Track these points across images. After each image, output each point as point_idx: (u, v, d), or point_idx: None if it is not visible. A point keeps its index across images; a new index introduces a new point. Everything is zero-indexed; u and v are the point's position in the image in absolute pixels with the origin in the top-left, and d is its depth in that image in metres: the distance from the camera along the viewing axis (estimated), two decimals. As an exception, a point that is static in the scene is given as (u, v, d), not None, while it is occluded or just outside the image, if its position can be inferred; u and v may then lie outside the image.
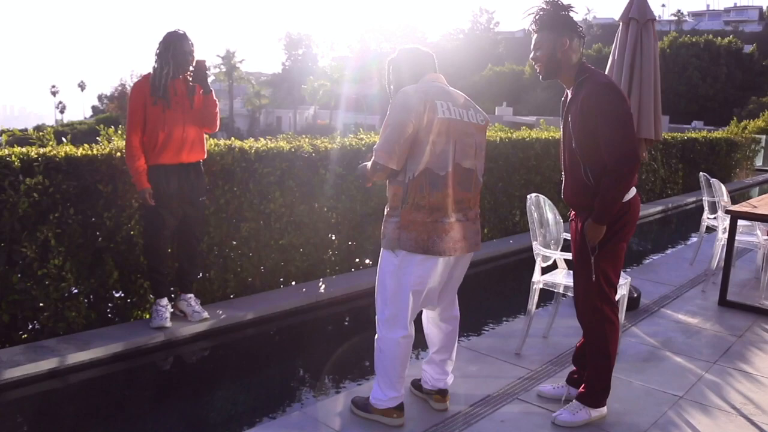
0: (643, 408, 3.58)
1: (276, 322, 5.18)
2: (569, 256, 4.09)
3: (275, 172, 5.53)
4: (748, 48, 61.91)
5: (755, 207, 5.75)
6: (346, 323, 5.72)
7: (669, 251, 8.35)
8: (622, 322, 4.46)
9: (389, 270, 3.10)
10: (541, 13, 3.12)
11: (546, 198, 4.37)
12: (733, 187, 15.78)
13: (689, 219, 11.12)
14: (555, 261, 4.29)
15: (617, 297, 3.45)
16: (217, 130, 4.76)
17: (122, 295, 4.90)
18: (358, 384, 4.00)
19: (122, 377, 4.30)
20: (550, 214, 4.35)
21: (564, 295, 4.37)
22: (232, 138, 5.68)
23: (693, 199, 12.74)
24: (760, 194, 12.82)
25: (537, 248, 4.10)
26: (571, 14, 3.16)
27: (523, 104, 53.20)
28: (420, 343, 3.48)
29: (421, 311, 3.38)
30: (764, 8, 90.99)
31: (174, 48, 4.48)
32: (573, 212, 3.39)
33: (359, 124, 35.83)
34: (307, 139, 6.08)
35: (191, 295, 4.85)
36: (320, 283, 5.79)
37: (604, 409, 3.42)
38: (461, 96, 3.13)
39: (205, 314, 4.78)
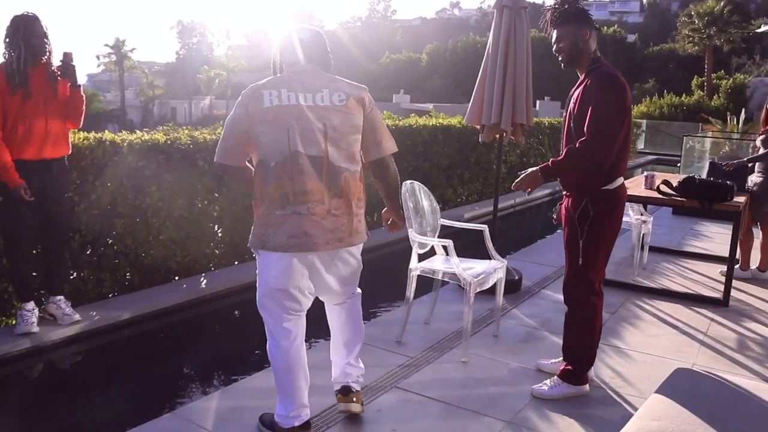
0: (519, 388, 3.66)
1: (155, 320, 4.99)
2: (447, 242, 4.13)
3: (150, 166, 5.32)
4: (632, 37, 65.12)
5: (626, 188, 5.98)
6: (228, 319, 5.58)
7: (557, 233, 8.58)
8: (502, 305, 4.57)
9: (257, 273, 2.95)
10: (561, 9, 3.40)
11: (422, 185, 4.38)
12: (616, 169, 16.50)
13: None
14: (434, 248, 4.31)
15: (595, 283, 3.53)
16: (80, 126, 4.54)
17: (-17, 301, 4.57)
18: (239, 380, 3.88)
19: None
20: (426, 201, 4.36)
21: (444, 282, 4.38)
22: (105, 131, 5.40)
23: (579, 182, 13.20)
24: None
25: (413, 236, 4.10)
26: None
27: (420, 91, 53.42)
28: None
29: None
30: (644, 1, 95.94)
31: (24, 31, 4.18)
32: (565, 195, 3.59)
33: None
34: (186, 131, 5.87)
35: (61, 297, 4.59)
36: (202, 279, 5.63)
37: (585, 387, 3.59)
38: (322, 79, 2.89)
39: (77, 316, 4.54)
